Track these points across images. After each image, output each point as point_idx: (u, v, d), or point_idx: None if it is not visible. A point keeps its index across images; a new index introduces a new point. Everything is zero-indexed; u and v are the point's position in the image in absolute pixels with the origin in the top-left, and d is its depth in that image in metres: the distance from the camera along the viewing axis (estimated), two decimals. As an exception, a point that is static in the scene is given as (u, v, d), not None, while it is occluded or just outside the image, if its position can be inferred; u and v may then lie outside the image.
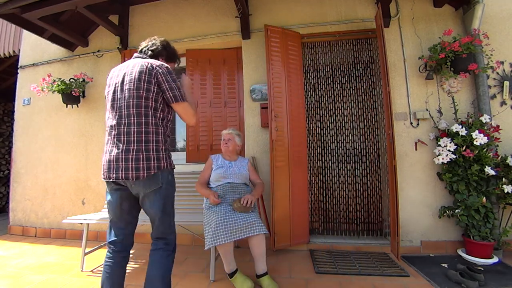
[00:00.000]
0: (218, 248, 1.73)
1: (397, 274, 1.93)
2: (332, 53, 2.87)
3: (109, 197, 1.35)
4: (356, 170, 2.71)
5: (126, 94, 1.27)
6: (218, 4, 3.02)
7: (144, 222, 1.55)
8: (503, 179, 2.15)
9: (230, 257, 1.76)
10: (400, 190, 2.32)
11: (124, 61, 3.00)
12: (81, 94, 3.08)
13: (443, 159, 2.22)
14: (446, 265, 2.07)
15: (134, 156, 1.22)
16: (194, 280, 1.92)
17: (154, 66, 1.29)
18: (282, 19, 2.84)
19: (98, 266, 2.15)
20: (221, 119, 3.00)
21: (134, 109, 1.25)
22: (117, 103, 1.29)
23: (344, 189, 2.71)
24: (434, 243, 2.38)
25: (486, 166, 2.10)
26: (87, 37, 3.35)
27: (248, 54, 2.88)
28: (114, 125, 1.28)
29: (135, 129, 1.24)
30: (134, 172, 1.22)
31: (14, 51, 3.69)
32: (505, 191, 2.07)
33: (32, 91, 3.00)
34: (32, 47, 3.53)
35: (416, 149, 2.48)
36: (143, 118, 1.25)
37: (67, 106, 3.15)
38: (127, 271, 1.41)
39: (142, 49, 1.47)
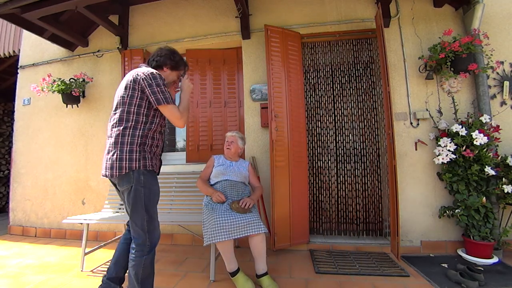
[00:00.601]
0: (218, 245, 1.72)
1: (397, 274, 1.93)
2: (332, 53, 2.87)
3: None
4: (356, 170, 2.71)
5: (116, 101, 1.46)
6: (218, 4, 3.02)
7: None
8: (503, 179, 2.15)
9: (231, 256, 1.75)
10: (400, 190, 2.32)
11: (124, 61, 3.06)
12: (81, 94, 3.08)
13: (443, 159, 2.22)
14: (446, 265, 2.07)
15: (111, 155, 1.37)
16: (194, 280, 1.92)
17: (139, 74, 1.42)
18: (282, 19, 2.84)
19: (98, 266, 2.15)
20: (221, 119, 3.00)
21: (118, 114, 1.41)
22: (112, 108, 1.48)
23: (344, 189, 2.71)
24: (434, 243, 2.38)
25: (486, 166, 2.10)
26: (87, 37, 3.35)
27: (248, 54, 2.88)
28: (109, 127, 1.47)
29: (115, 132, 1.39)
30: (109, 171, 1.36)
31: (14, 51, 3.69)
32: (505, 191, 2.07)
33: (32, 91, 3.00)
34: (32, 47, 3.53)
35: (416, 149, 2.48)
36: (124, 122, 1.39)
37: (67, 106, 3.15)
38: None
39: (148, 60, 1.60)
